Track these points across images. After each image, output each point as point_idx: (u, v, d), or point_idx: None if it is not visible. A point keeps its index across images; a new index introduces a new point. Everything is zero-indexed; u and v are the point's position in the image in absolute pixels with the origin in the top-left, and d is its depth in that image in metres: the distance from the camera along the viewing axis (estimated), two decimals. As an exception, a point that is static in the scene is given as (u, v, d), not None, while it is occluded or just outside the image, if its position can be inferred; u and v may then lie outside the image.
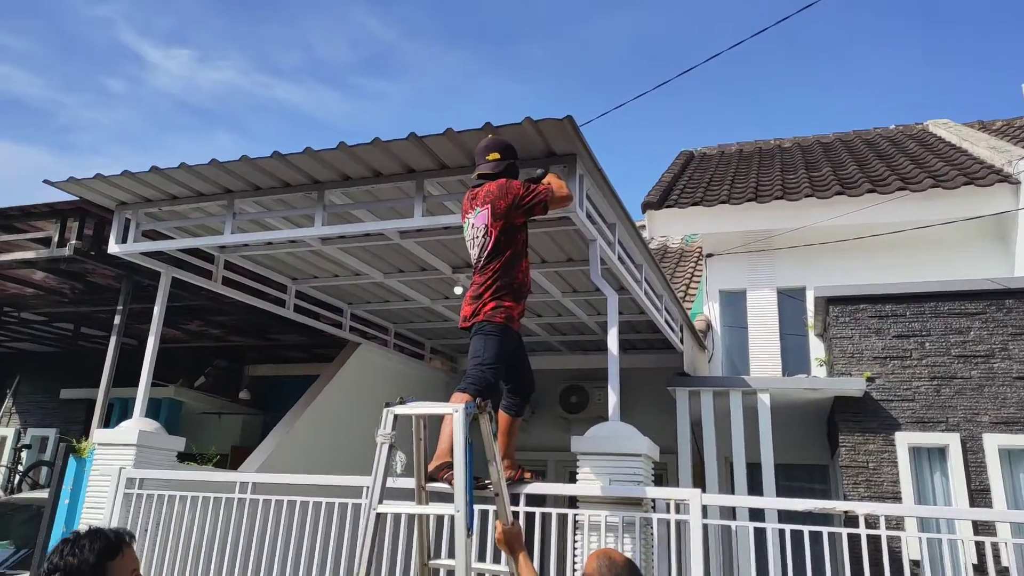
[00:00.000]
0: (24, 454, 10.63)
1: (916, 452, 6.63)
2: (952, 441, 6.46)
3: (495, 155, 4.12)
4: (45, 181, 5.26)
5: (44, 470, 9.94)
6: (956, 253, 8.39)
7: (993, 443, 6.39)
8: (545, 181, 4.11)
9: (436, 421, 3.47)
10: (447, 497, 3.21)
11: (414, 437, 3.29)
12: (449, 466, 3.28)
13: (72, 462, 5.41)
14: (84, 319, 9.24)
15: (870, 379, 6.83)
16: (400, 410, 3.10)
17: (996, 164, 8.75)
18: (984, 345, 6.68)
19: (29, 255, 6.39)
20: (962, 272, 7.72)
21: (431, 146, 4.56)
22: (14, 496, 8.06)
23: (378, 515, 2.93)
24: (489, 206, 3.96)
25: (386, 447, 3.03)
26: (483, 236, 3.99)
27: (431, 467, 3.51)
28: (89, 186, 5.35)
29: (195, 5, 38.75)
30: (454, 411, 3.03)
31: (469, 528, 2.83)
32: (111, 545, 2.24)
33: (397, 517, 3.98)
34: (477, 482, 3.44)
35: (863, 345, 7.00)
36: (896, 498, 6.44)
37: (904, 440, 6.57)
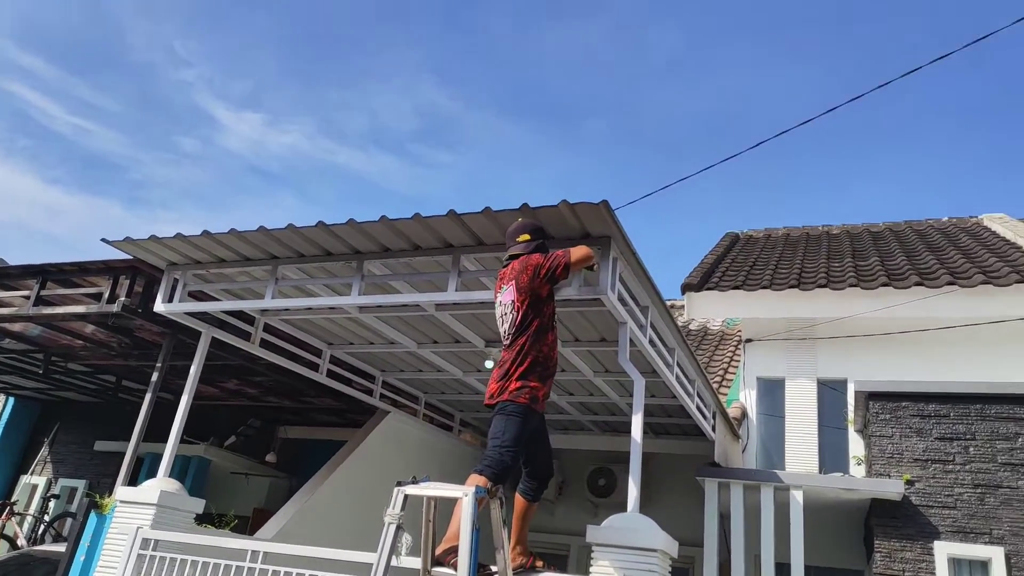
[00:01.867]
0: (52, 504, 10.78)
1: (956, 564, 6.26)
2: (996, 555, 6.09)
3: (526, 236, 4.22)
4: (103, 240, 5.53)
5: (69, 522, 10.06)
6: (1006, 354, 8.09)
7: (1043, 560, 6.01)
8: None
9: (448, 503, 3.44)
10: (453, 583, 3.16)
11: (423, 518, 3.26)
12: (456, 551, 3.24)
13: (93, 517, 5.47)
14: (127, 372, 9.49)
15: (909, 482, 6.54)
16: (411, 490, 3.09)
17: (1050, 263, 8.51)
18: (1034, 453, 6.37)
19: (81, 309, 6.65)
20: (1012, 374, 7.43)
21: (469, 223, 4.68)
22: (35, 548, 8.15)
23: (379, 598, 2.89)
24: (514, 282, 4.03)
25: (393, 527, 3.01)
26: (510, 312, 4.05)
27: (439, 551, 3.46)
28: (142, 246, 5.59)
29: (271, 71, 40.92)
30: (464, 495, 3.01)
31: (470, 618, 2.76)
32: None
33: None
34: (483, 570, 3.37)
35: (903, 445, 6.74)
36: (936, 613, 6.07)
37: (943, 550, 6.23)
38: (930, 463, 6.59)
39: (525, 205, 4.43)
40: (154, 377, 6.83)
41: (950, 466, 6.53)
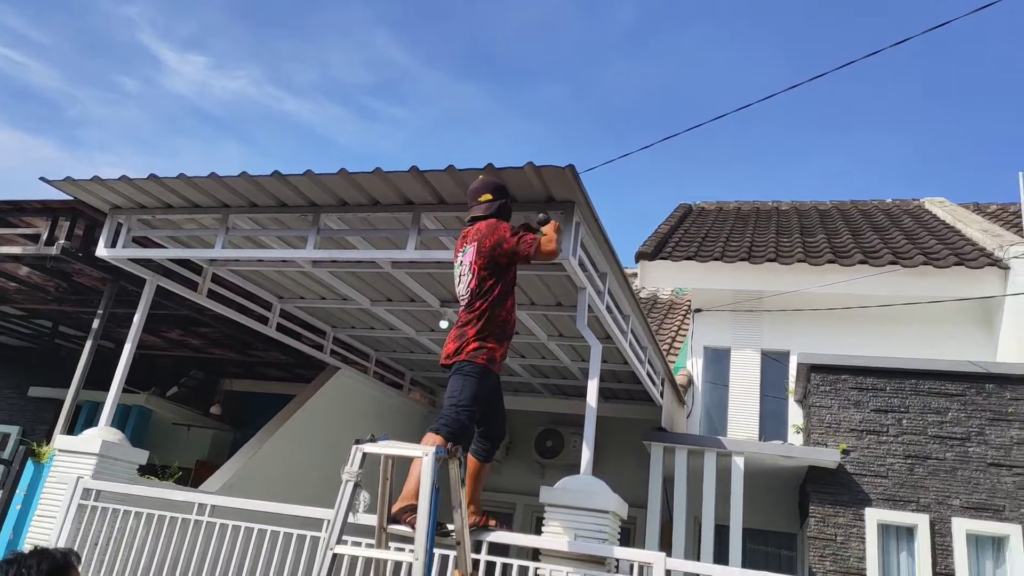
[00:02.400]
0: (-19, 451, 10.40)
1: (885, 530, 6.59)
2: (921, 522, 6.43)
3: (487, 196, 4.13)
4: (42, 179, 5.25)
5: (1, 469, 9.74)
6: (941, 332, 8.44)
7: (962, 528, 6.36)
8: (544, 230, 4.09)
9: (405, 461, 3.42)
10: (407, 539, 3.16)
11: (381, 476, 3.24)
12: (413, 509, 3.23)
13: (30, 466, 5.30)
14: (65, 318, 9.15)
15: (845, 451, 6.81)
16: (370, 448, 3.06)
17: (988, 247, 8.85)
18: (961, 427, 6.69)
19: (16, 250, 6.34)
20: (946, 351, 7.76)
21: (432, 181, 4.59)
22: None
23: (335, 555, 2.88)
24: (476, 244, 3.97)
25: (351, 485, 2.98)
26: (468, 273, 3.99)
27: (395, 508, 3.45)
28: (85, 187, 5.34)
29: (217, 13, 39.14)
30: (424, 454, 2.99)
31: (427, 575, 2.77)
32: (58, 566, 2.18)
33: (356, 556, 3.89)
34: (440, 528, 3.38)
35: (841, 416, 7.00)
36: (861, 574, 6.38)
37: (874, 517, 6.53)
38: (865, 434, 6.87)
39: (490, 165, 4.36)
40: (95, 324, 6.60)
41: (884, 437, 6.82)
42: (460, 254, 4.12)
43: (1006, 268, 8.26)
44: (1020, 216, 9.68)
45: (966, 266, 8.36)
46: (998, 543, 6.39)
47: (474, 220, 4.16)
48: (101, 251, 5.58)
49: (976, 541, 6.41)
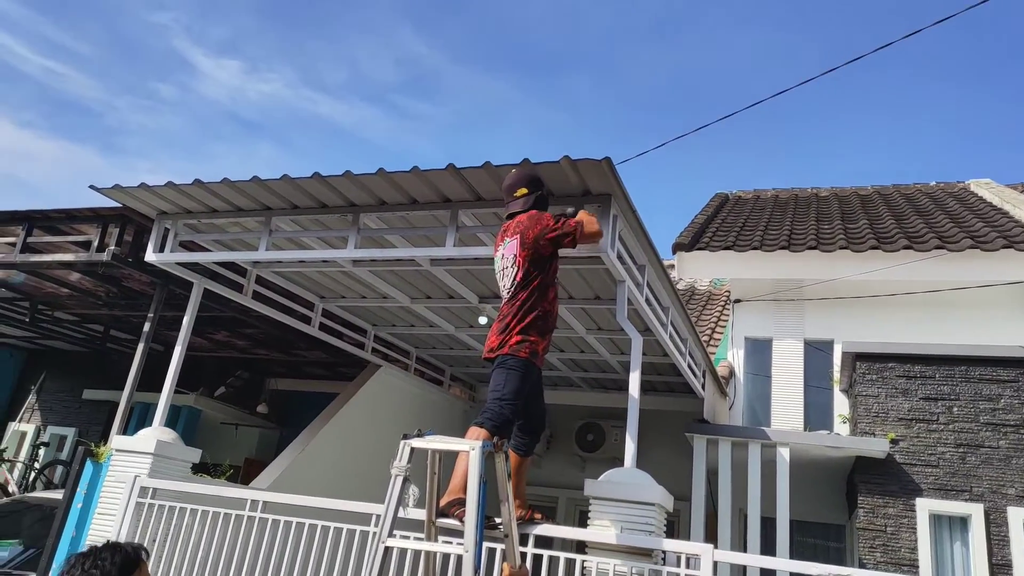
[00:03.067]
0: (42, 451, 10.77)
1: (936, 520, 6.45)
2: (975, 512, 6.28)
3: (523, 190, 4.17)
4: (91, 187, 5.41)
5: (59, 469, 10.05)
6: (991, 317, 8.23)
7: (1018, 517, 6.20)
8: (577, 218, 4.12)
9: (451, 455, 3.47)
10: (456, 533, 3.21)
11: (428, 471, 3.29)
12: (461, 503, 3.27)
13: (88, 466, 5.48)
14: (115, 322, 9.41)
15: (894, 441, 6.69)
16: (417, 443, 3.11)
17: (1037, 229, 8.60)
18: (1014, 414, 6.52)
19: (68, 257, 6.55)
20: (996, 337, 7.56)
21: (468, 178, 4.62)
22: (28, 495, 8.17)
23: (386, 548, 2.93)
24: (519, 236, 4.00)
25: (400, 479, 3.03)
26: (512, 266, 4.02)
27: (443, 502, 3.50)
28: (133, 194, 5.48)
29: (249, 18, 39.80)
30: (471, 449, 3.03)
31: (476, 568, 2.81)
32: (130, 560, 2.27)
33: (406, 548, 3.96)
34: (488, 521, 3.42)
35: (889, 405, 6.87)
36: (913, 566, 6.27)
37: (925, 507, 6.41)
38: (914, 422, 6.74)
39: (526, 160, 4.38)
40: (146, 327, 6.78)
41: (934, 425, 6.68)
42: (501, 247, 4.15)
43: (1058, 250, 8.01)
44: (1072, 196, 9.37)
45: (1015, 248, 8.12)
46: (1056, 532, 6.22)
47: (512, 215, 4.19)
48: (150, 256, 5.73)
49: (1033, 531, 6.25)
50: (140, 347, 6.74)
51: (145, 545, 4.43)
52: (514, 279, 4.01)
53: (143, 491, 4.99)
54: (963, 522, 6.39)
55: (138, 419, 9.84)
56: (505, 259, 4.09)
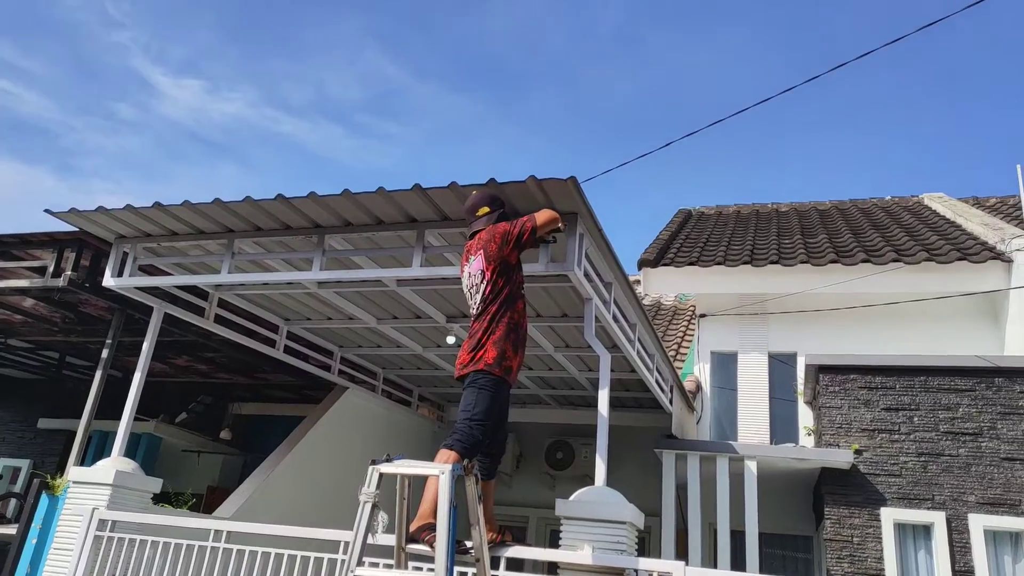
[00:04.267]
0: (-7, 485, 10.37)
1: (901, 529, 6.56)
2: (938, 520, 6.40)
3: (484, 209, 4.17)
4: (46, 211, 5.28)
5: (12, 503, 9.69)
6: (948, 328, 8.44)
7: (979, 524, 6.33)
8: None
9: (421, 479, 3.42)
10: (427, 559, 3.16)
11: (398, 496, 3.24)
12: (431, 528, 3.22)
13: (44, 499, 5.28)
14: (72, 349, 9.15)
15: (857, 452, 6.79)
16: (386, 468, 3.06)
17: (989, 241, 8.86)
18: (973, 423, 6.68)
19: (23, 283, 6.36)
20: (953, 347, 7.76)
21: (434, 198, 4.61)
22: (-23, 529, 7.84)
23: (356, 577, 2.87)
24: (482, 251, 4.00)
25: (369, 506, 2.98)
26: (481, 282, 4.00)
27: (413, 528, 3.44)
28: (90, 218, 5.36)
29: (210, 36, 39.41)
30: (440, 472, 2.99)
31: (448, 595, 2.77)
32: None
33: (375, 575, 3.88)
34: (458, 546, 3.38)
35: (852, 416, 6.99)
36: (879, 575, 6.35)
37: (890, 516, 6.51)
38: (877, 433, 6.85)
39: (492, 180, 4.39)
40: (104, 354, 6.61)
41: (896, 435, 6.80)
42: (467, 266, 4.14)
43: (1009, 261, 8.27)
44: (1020, 208, 9.69)
45: (969, 260, 8.37)
46: (1016, 538, 6.36)
47: (474, 234, 4.18)
48: (108, 281, 5.60)
49: (994, 537, 6.38)
50: (98, 374, 6.56)
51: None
52: (484, 293, 3.99)
53: (101, 524, 4.83)
54: (926, 530, 6.50)
55: (96, 448, 9.55)
56: (472, 276, 4.08)
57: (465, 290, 4.18)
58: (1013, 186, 10.48)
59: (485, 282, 3.96)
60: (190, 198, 4.98)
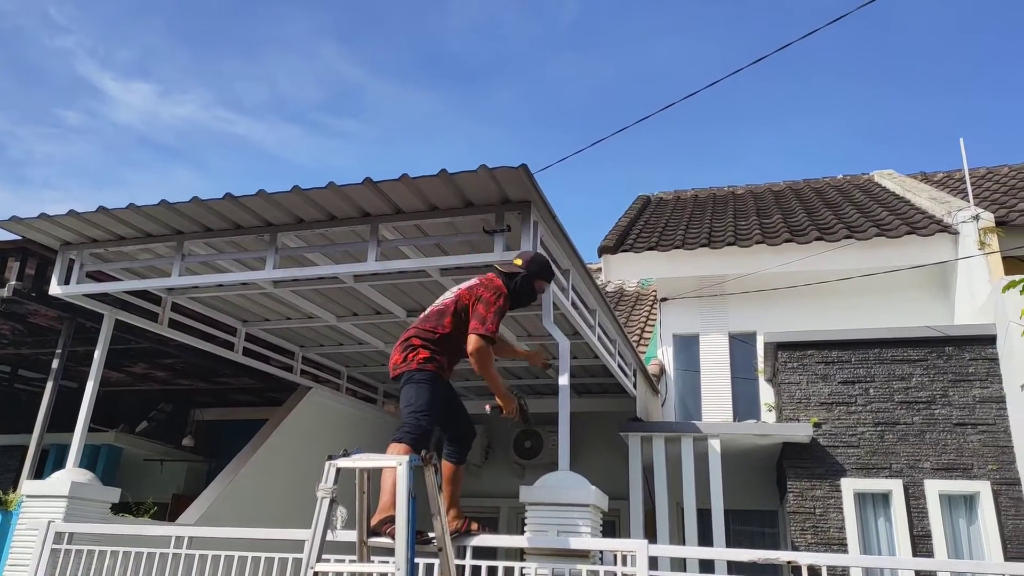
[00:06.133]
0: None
1: (861, 498, 6.72)
2: (895, 487, 6.57)
3: (518, 260, 4.23)
4: (-15, 221, 5.12)
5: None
6: (902, 300, 8.66)
7: (934, 489, 6.52)
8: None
9: (380, 473, 3.41)
10: (389, 551, 3.15)
11: (357, 490, 3.22)
12: (392, 520, 3.22)
13: (-2, 515, 5.16)
14: (22, 361, 8.91)
15: (817, 425, 6.94)
16: (343, 463, 3.04)
17: (937, 215, 9.10)
18: (926, 392, 6.86)
19: (-35, 295, 6.17)
20: (907, 319, 7.95)
21: (387, 191, 4.58)
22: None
23: (315, 574, 2.85)
24: (476, 284, 4.11)
25: (327, 502, 2.96)
26: (453, 299, 4.14)
27: (374, 521, 3.43)
28: (32, 225, 5.22)
29: (158, 39, 38.51)
30: (398, 464, 2.98)
31: (410, 586, 2.76)
32: None
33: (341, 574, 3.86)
34: (420, 536, 3.37)
35: (810, 391, 7.13)
36: (842, 544, 6.50)
37: (850, 486, 6.66)
38: (835, 406, 7.01)
39: (443, 171, 4.37)
40: (54, 364, 6.45)
41: (853, 407, 6.96)
42: (467, 282, 4.25)
43: (956, 233, 8.50)
44: (965, 182, 9.96)
45: (917, 234, 8.58)
46: (969, 501, 6.56)
47: (494, 268, 4.31)
48: (54, 289, 5.46)
49: (949, 501, 6.57)
50: (49, 385, 6.40)
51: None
52: (446, 305, 4.11)
53: (58, 536, 4.72)
54: (885, 498, 6.67)
55: (54, 462, 9.32)
56: (457, 290, 4.19)
57: (446, 293, 4.29)
58: (960, 160, 10.75)
59: (455, 303, 4.09)
60: (152, 202, 4.87)
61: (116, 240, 5.38)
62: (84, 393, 5.54)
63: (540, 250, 4.69)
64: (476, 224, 4.79)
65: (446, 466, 4.16)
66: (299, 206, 4.80)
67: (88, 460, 9.04)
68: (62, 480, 5.05)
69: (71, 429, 5.51)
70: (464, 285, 4.21)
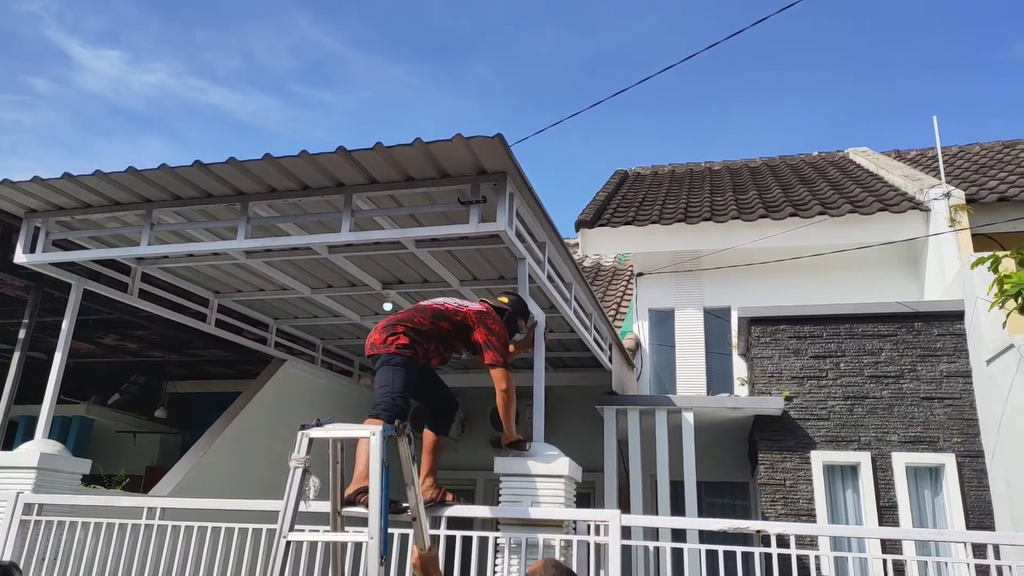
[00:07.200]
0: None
1: (830, 470, 6.85)
2: (863, 459, 6.71)
3: (504, 299, 4.59)
4: (-55, 187, 4.97)
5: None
6: (872, 276, 8.77)
7: (901, 461, 6.66)
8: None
9: (354, 443, 3.40)
10: (363, 522, 3.15)
11: (331, 460, 3.21)
12: (366, 490, 3.21)
13: (-35, 487, 5.07)
14: (-11, 331, 8.73)
15: (788, 398, 7.04)
16: (315, 433, 3.02)
17: (909, 192, 9.20)
18: (894, 366, 6.98)
19: (-73, 263, 6.00)
20: (878, 295, 8.06)
21: (360, 160, 4.51)
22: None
23: (288, 543, 2.84)
24: (477, 316, 4.33)
25: (299, 471, 2.94)
26: (455, 306, 4.34)
27: (348, 491, 3.43)
28: (-6, 192, 5.08)
29: (128, 6, 37.47)
30: (371, 434, 2.97)
31: (383, 555, 2.77)
32: None
33: (314, 543, 3.87)
34: (395, 506, 3.38)
35: (782, 365, 7.22)
36: (811, 515, 6.63)
37: (819, 458, 6.79)
38: (806, 379, 7.11)
39: (418, 140, 4.30)
40: (21, 335, 6.32)
41: (824, 381, 7.07)
42: (469, 301, 4.48)
43: (927, 210, 8.60)
44: (938, 160, 10.06)
45: (890, 211, 8.68)
46: (935, 473, 6.72)
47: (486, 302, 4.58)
48: (19, 257, 5.33)
49: (915, 473, 6.73)
50: (16, 356, 6.28)
51: (32, 564, 4.16)
52: (443, 309, 4.28)
53: (27, 508, 4.66)
54: (853, 470, 6.81)
55: (23, 434, 9.19)
56: (461, 303, 4.38)
57: (450, 297, 4.49)
58: (933, 138, 10.85)
59: (456, 314, 4.29)
60: (120, 169, 4.74)
61: (83, 208, 5.26)
62: (52, 364, 5.44)
63: (516, 221, 4.67)
64: (451, 195, 4.74)
65: (428, 436, 4.19)
66: (271, 174, 4.71)
67: (59, 432, 8.93)
68: (31, 451, 4.98)
69: (41, 401, 5.42)
70: (471, 307, 4.42)
